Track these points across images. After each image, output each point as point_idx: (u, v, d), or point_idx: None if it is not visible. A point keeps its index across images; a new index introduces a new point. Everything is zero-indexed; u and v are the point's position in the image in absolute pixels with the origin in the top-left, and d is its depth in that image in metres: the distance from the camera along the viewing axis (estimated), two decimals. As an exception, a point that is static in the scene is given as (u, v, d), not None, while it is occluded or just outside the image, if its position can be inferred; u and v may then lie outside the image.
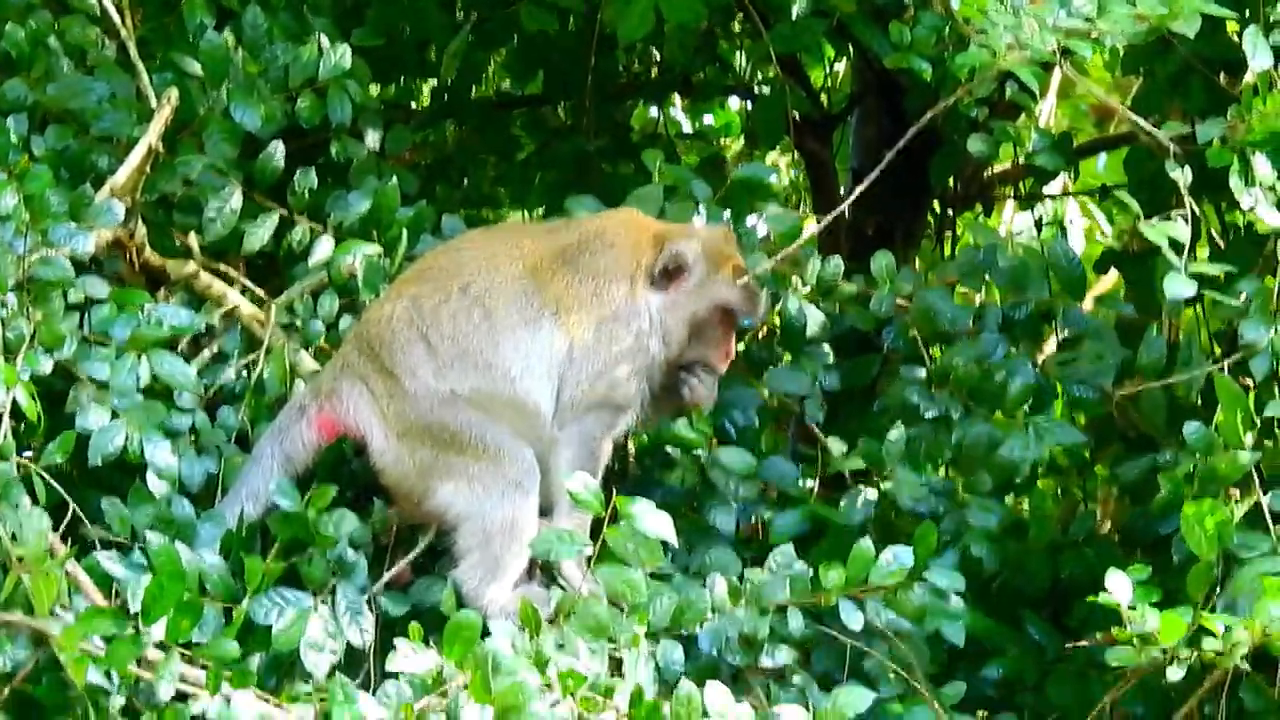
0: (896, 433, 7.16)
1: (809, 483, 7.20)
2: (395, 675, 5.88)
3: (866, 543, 6.53)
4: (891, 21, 7.50)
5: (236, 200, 7.31)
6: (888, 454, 7.14)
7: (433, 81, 9.80)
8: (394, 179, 7.51)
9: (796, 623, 6.47)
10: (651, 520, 6.28)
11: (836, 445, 7.25)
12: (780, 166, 10.99)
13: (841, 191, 9.49)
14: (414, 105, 9.94)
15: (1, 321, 6.35)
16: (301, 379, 6.99)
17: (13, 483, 6.06)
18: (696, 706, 5.88)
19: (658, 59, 9.75)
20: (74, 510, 6.20)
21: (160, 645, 5.83)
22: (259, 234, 7.32)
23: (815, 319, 7.45)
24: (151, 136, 7.11)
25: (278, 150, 7.44)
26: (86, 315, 6.74)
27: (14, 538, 5.89)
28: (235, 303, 7.21)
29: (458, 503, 6.56)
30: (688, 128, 10.71)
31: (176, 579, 5.87)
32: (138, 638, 5.77)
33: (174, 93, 7.26)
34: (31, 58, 7.41)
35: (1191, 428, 6.88)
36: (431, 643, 5.95)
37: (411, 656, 5.87)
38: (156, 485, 6.57)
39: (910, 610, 6.53)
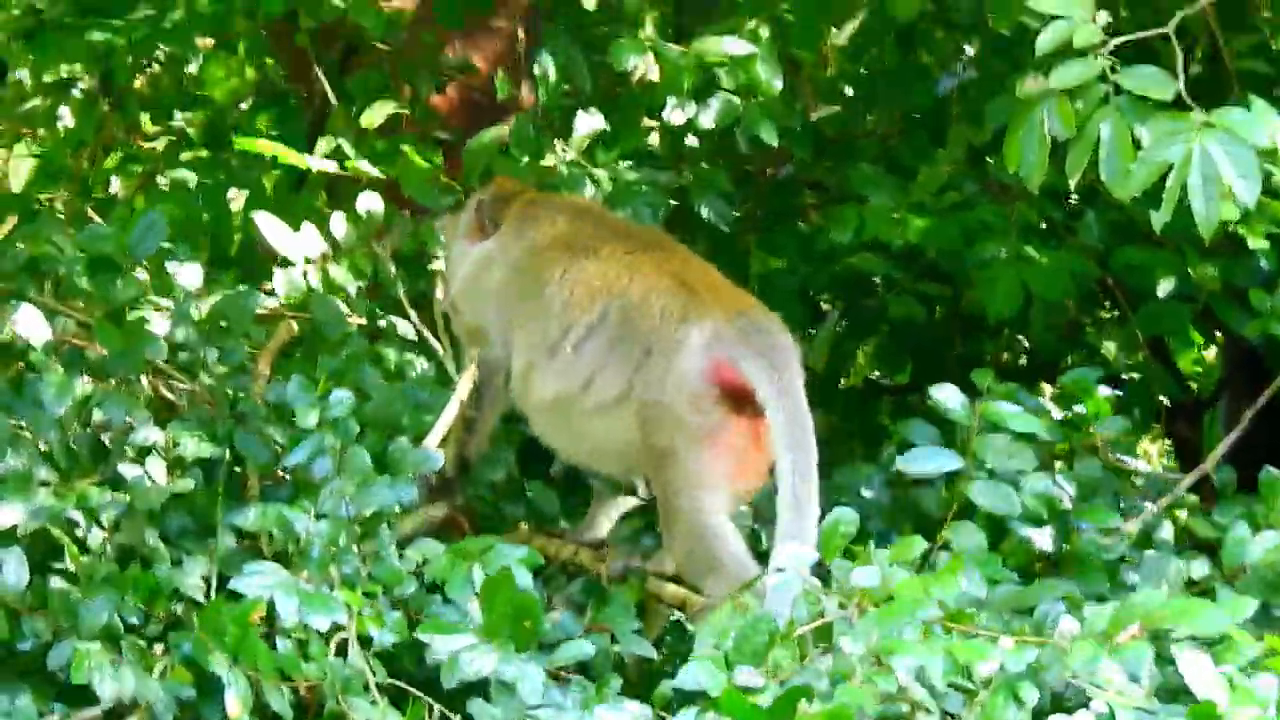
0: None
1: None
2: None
3: None
4: (1251, 289, 7.56)
5: None
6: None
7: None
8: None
9: None
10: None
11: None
12: (1151, 453, 10.95)
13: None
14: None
15: (333, 557, 6.42)
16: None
17: (357, 676, 6.12)
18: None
19: (1025, 346, 9.82)
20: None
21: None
22: None
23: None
24: (461, 393, 7.25)
25: None
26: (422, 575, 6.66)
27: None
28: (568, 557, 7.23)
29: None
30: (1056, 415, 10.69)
31: None
32: None
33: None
34: (345, 376, 7.46)
35: None
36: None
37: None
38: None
39: None
